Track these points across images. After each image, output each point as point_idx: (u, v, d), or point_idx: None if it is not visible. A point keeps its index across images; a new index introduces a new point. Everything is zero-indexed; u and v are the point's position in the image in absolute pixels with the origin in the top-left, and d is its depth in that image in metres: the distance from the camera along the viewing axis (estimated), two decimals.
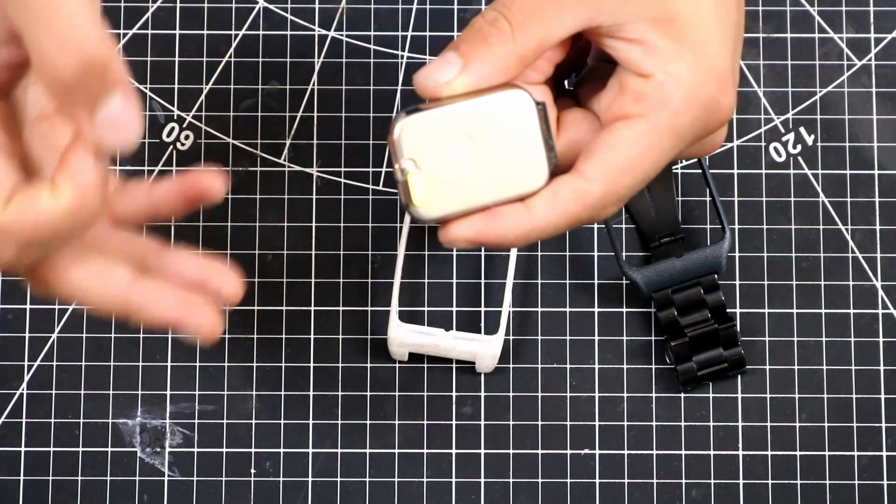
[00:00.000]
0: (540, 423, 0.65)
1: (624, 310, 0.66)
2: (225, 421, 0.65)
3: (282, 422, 0.65)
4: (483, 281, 0.66)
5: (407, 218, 0.65)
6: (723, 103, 0.50)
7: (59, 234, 0.47)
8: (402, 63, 0.68)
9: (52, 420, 0.65)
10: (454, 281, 0.66)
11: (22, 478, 0.65)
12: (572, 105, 0.53)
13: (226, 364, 0.66)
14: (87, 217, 0.47)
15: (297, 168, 0.67)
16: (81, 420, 0.65)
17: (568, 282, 0.66)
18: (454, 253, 0.66)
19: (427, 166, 0.50)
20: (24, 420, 0.65)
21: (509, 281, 0.65)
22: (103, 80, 0.46)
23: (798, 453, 0.65)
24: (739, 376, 0.66)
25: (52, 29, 0.45)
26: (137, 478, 0.65)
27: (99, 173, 0.47)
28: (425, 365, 0.66)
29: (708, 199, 0.67)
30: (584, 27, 0.50)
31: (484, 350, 0.64)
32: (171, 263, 0.51)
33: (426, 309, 0.66)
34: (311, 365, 0.66)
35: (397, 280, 0.65)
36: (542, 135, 0.51)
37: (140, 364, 0.66)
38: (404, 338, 0.64)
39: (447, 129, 0.50)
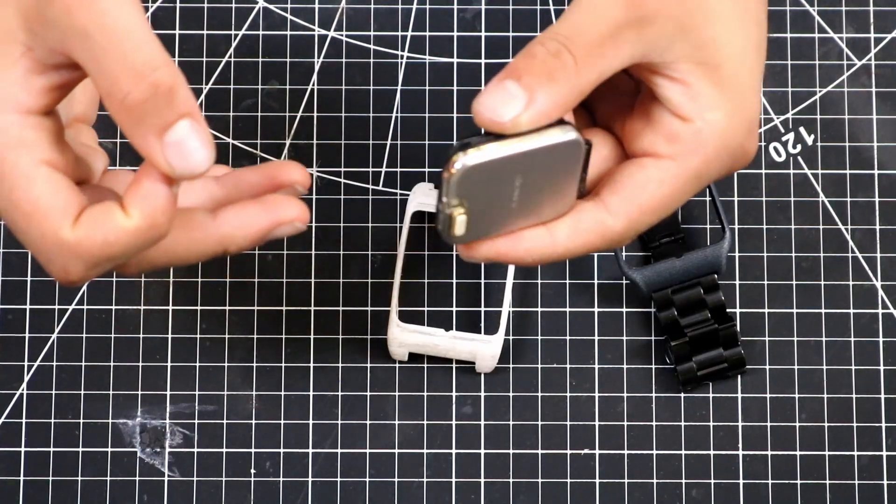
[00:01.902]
0: (540, 423, 0.65)
1: (624, 310, 0.66)
2: (225, 421, 0.65)
3: (282, 422, 0.65)
4: (483, 281, 0.66)
5: (407, 218, 0.65)
6: (749, 150, 0.51)
7: (127, 252, 0.48)
8: (401, 63, 0.68)
9: (52, 420, 0.65)
10: (454, 281, 0.66)
11: (22, 478, 0.65)
12: (589, 121, 0.53)
13: (226, 364, 0.66)
14: (155, 237, 0.48)
15: None
16: (81, 420, 0.65)
17: (568, 282, 0.66)
18: (454, 253, 0.66)
19: (474, 204, 0.49)
20: (24, 420, 0.65)
21: (509, 281, 0.65)
22: (171, 106, 0.46)
23: (798, 453, 0.65)
24: (739, 376, 0.66)
25: (120, 56, 0.46)
26: (137, 478, 0.65)
27: (168, 197, 0.47)
28: (425, 365, 0.66)
29: (708, 198, 0.67)
30: (638, 62, 0.49)
31: (484, 350, 0.64)
32: (237, 183, 0.53)
33: (426, 309, 0.66)
34: (311, 365, 0.66)
35: (397, 280, 0.65)
36: (581, 172, 0.50)
37: (140, 364, 0.66)
38: (404, 338, 0.64)
39: (503, 173, 0.49)
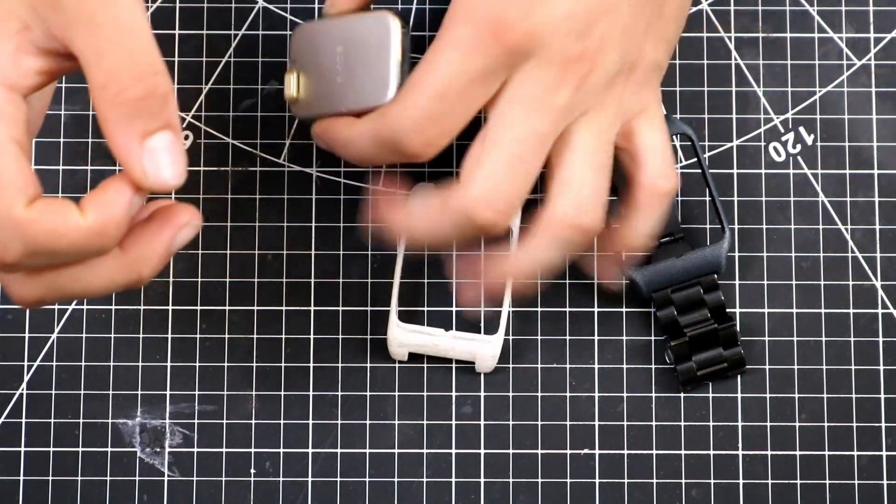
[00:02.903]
0: (540, 423, 0.65)
1: (624, 310, 0.66)
2: (225, 421, 0.65)
3: (282, 422, 0.65)
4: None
5: None
6: (508, 19, 0.52)
7: (68, 252, 0.48)
8: None
9: (52, 420, 0.65)
10: (454, 281, 0.66)
11: (22, 478, 0.65)
12: None
13: (226, 364, 0.66)
14: (100, 246, 0.48)
15: (297, 168, 0.67)
16: (81, 420, 0.65)
17: (568, 281, 0.66)
18: (454, 253, 0.66)
19: (306, 67, 0.60)
20: (23, 420, 0.65)
21: (509, 281, 0.65)
22: (162, 113, 0.47)
23: (798, 453, 0.65)
24: (739, 376, 0.66)
25: (126, 52, 0.46)
26: (137, 478, 0.65)
27: (126, 210, 0.48)
28: (425, 365, 0.66)
29: (707, 198, 0.67)
30: None
31: (484, 350, 0.64)
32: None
33: (426, 309, 0.66)
34: (311, 365, 0.66)
35: (396, 280, 0.65)
36: (397, 56, 0.57)
37: (140, 364, 0.66)
38: (404, 338, 0.64)
39: (325, 39, 0.59)
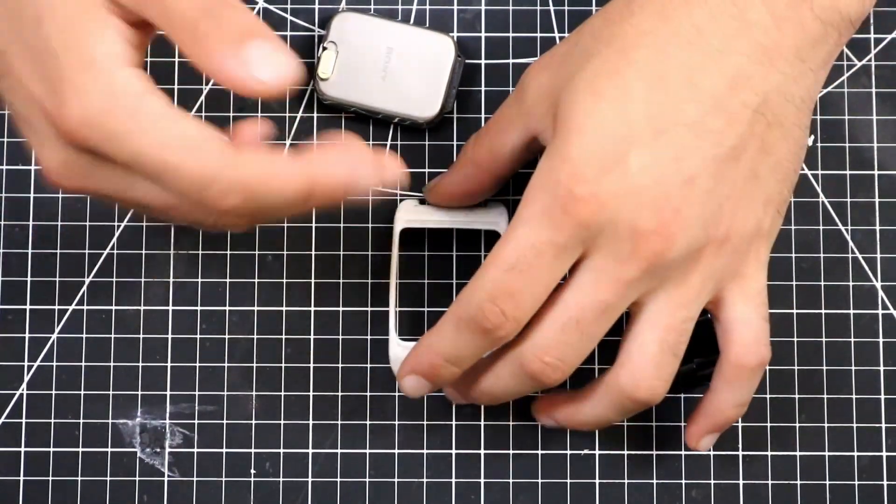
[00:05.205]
0: (540, 423, 0.65)
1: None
2: (225, 421, 0.65)
3: (282, 422, 0.65)
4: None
5: (395, 238, 0.65)
6: (574, 190, 0.52)
7: (278, 210, 0.49)
8: None
9: (52, 420, 0.65)
10: (454, 281, 0.66)
11: (22, 478, 0.65)
12: None
13: (226, 364, 0.66)
14: (298, 206, 0.49)
15: None
16: (81, 420, 0.65)
17: None
18: (454, 253, 0.66)
19: (345, 51, 0.64)
20: (23, 420, 0.65)
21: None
22: (238, 26, 0.47)
23: (798, 453, 0.65)
24: None
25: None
26: (137, 478, 0.65)
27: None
28: None
29: None
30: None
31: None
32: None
33: (426, 309, 0.66)
34: (311, 365, 0.66)
35: (394, 301, 0.64)
36: (449, 79, 0.64)
37: (140, 364, 0.66)
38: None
39: (375, 34, 0.64)
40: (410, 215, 0.64)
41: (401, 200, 0.65)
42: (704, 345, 0.65)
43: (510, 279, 0.53)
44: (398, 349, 0.64)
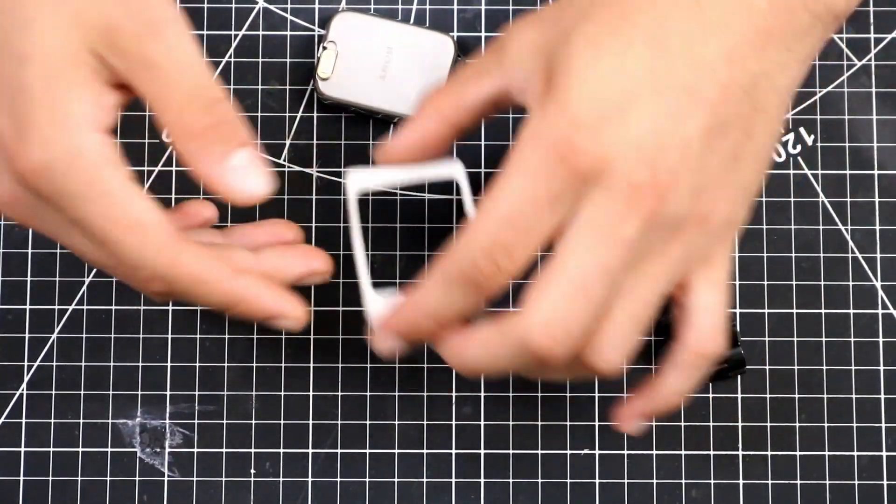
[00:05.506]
0: (540, 423, 0.65)
1: None
2: (225, 421, 0.65)
3: (282, 422, 0.65)
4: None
5: (353, 206, 0.60)
6: (577, 143, 0.50)
7: (200, 304, 0.53)
8: None
9: (52, 420, 0.65)
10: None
11: (22, 478, 0.65)
12: None
13: (226, 364, 0.66)
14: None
15: (297, 168, 0.67)
16: (81, 420, 0.65)
17: None
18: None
19: (345, 50, 0.65)
20: (23, 420, 0.65)
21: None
22: (232, 135, 0.50)
23: (798, 453, 0.65)
24: (739, 376, 0.66)
25: (187, 89, 0.50)
26: (137, 478, 0.65)
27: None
28: (425, 365, 0.66)
29: None
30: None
31: None
32: (242, 237, 0.58)
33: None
34: (311, 365, 0.66)
35: (360, 262, 0.65)
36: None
37: (140, 364, 0.66)
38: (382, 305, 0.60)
39: (375, 35, 0.65)
40: (362, 175, 0.60)
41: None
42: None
43: (505, 232, 0.51)
44: (373, 303, 0.61)
